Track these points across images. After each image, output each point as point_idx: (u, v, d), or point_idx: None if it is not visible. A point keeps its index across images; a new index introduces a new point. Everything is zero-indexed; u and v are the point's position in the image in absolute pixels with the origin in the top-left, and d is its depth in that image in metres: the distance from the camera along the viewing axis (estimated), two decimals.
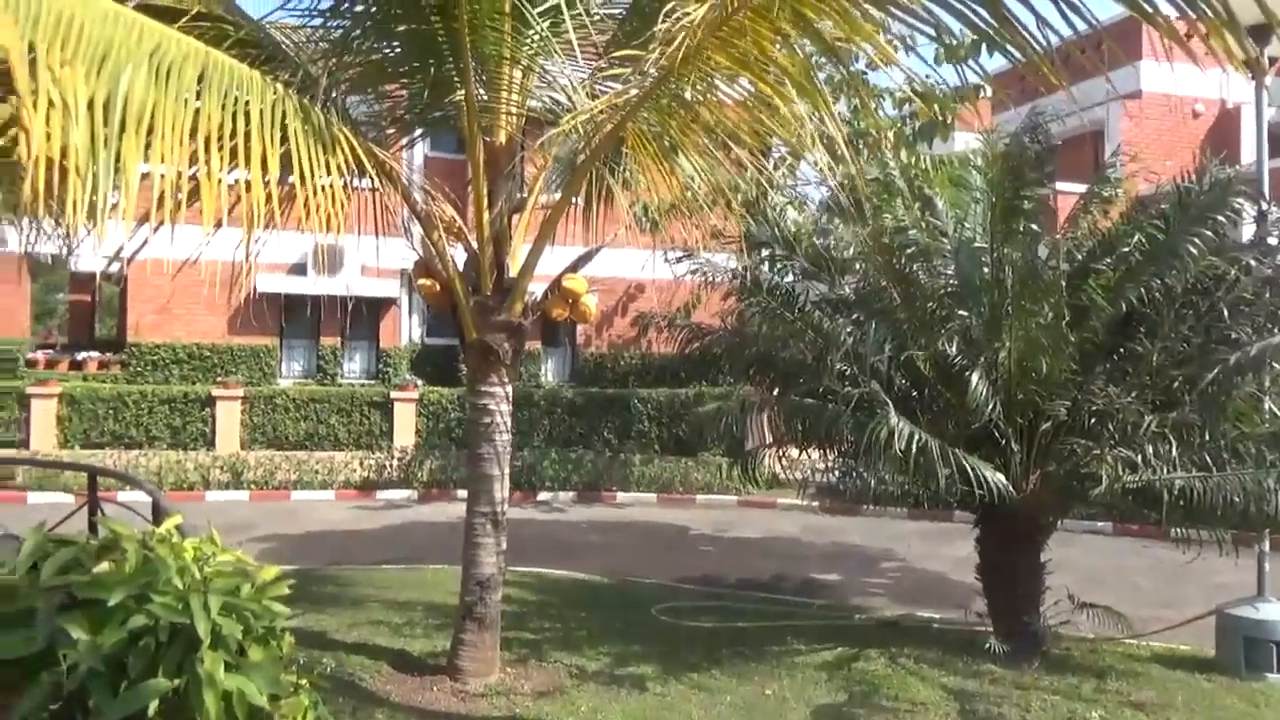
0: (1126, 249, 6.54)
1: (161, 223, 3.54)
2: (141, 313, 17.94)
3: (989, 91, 8.86)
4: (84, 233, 6.06)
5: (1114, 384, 6.29)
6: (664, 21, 4.09)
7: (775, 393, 7.33)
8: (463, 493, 14.86)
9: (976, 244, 7.08)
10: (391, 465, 15.99)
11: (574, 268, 5.95)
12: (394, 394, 17.17)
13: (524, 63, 5.49)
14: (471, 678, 5.77)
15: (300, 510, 13.98)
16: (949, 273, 7.08)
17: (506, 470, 5.88)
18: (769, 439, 7.40)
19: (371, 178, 4.71)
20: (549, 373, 19.68)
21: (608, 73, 5.30)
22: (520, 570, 8.73)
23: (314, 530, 12.30)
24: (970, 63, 5.42)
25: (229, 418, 16.56)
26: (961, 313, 6.70)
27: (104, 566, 2.64)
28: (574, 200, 5.86)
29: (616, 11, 5.89)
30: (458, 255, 5.68)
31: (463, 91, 5.14)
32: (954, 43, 5.10)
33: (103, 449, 15.81)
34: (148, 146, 3.21)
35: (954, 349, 6.50)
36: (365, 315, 18.50)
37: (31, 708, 2.37)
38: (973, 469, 5.79)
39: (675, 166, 5.43)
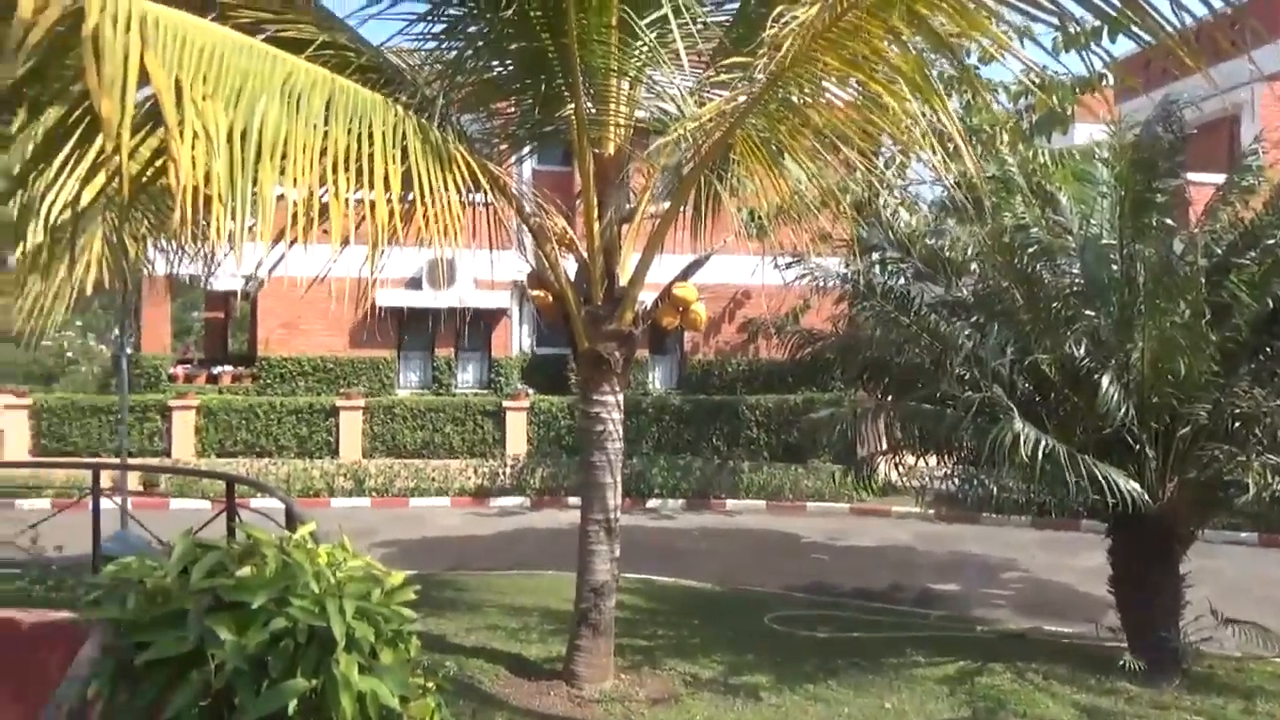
0: (1273, 241, 6.14)
1: (294, 242, 3.72)
2: (270, 328, 18.89)
3: (1112, 79, 8.45)
4: (222, 254, 6.42)
5: (1260, 385, 5.91)
6: (772, 26, 4.06)
7: (890, 398, 7.16)
8: (573, 500, 15.15)
9: (1104, 241, 6.76)
10: (504, 472, 16.34)
11: (684, 275, 5.96)
12: (506, 403, 17.56)
13: (631, 74, 5.54)
14: (587, 683, 5.83)
15: (418, 516, 14.43)
16: (1074, 271, 6.79)
17: (619, 478, 5.93)
18: (883, 445, 7.24)
19: (486, 193, 4.83)
20: (656, 380, 19.76)
21: (715, 80, 5.30)
22: (632, 577, 8.78)
23: (431, 536, 12.67)
24: (1093, 48, 5.16)
25: (351, 427, 17.25)
26: (1089, 313, 6.41)
27: (246, 571, 2.78)
28: (682, 208, 5.88)
29: (723, 19, 5.89)
30: (569, 266, 5.77)
31: (572, 105, 5.22)
32: (1076, 29, 4.87)
33: (236, 457, 16.71)
34: (281, 171, 3.37)
35: (1081, 351, 6.22)
36: (478, 327, 18.98)
37: (184, 703, 2.50)
38: (1104, 476, 5.53)
39: (783, 170, 5.38)
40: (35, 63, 3.09)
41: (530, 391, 18.13)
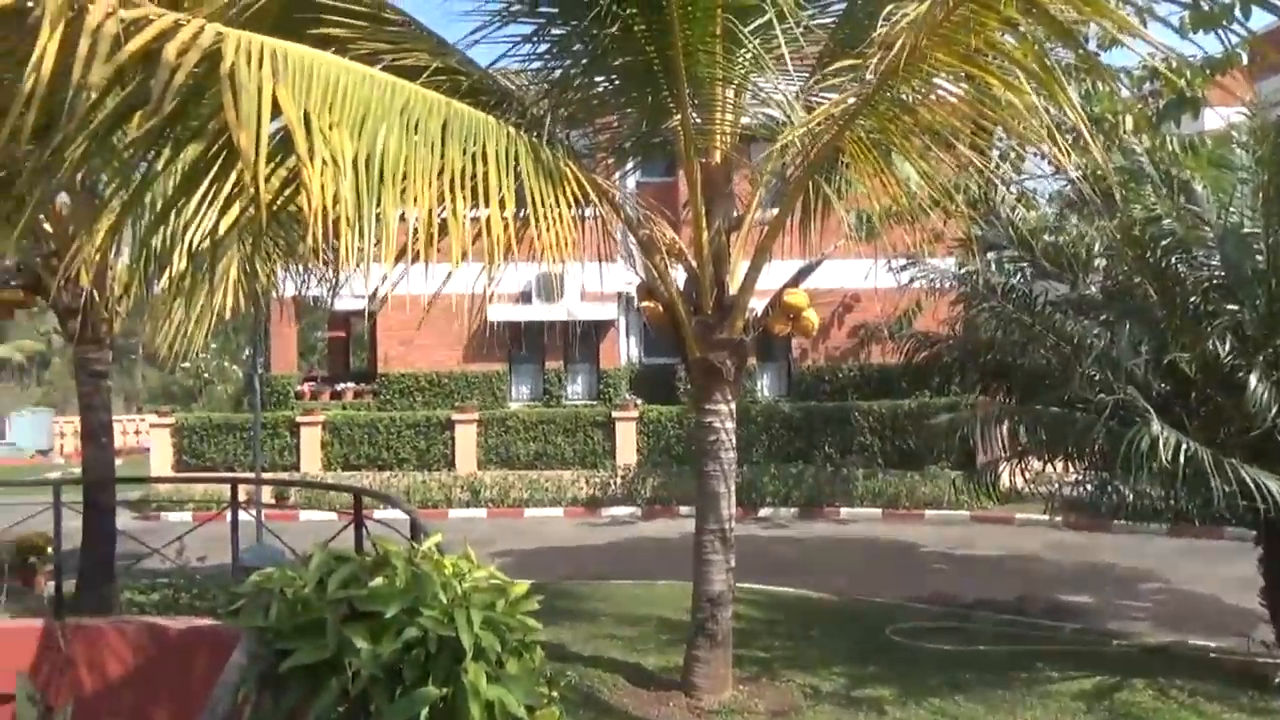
0: None
1: (414, 261, 3.85)
2: (389, 345, 19.60)
3: (1246, 58, 7.94)
4: (347, 275, 6.69)
5: None
6: (882, 25, 3.98)
7: (1014, 401, 6.89)
8: (685, 509, 15.15)
9: (1246, 230, 6.35)
10: (615, 483, 16.47)
11: (794, 282, 5.90)
12: (615, 413, 17.71)
13: (736, 82, 5.52)
14: (706, 694, 5.80)
15: (532, 526, 14.69)
16: (1213, 264, 6.39)
17: (733, 487, 5.89)
18: (1007, 450, 6.97)
19: (595, 207, 4.89)
20: (764, 387, 19.59)
21: (822, 83, 5.23)
22: (747, 587, 8.69)
23: (546, 546, 12.87)
24: (1225, 25, 4.84)
25: (467, 440, 17.71)
26: (1231, 307, 6.02)
27: (379, 581, 2.87)
28: (789, 214, 5.81)
29: (829, 20, 5.81)
30: (678, 276, 5.78)
31: (678, 116, 5.24)
32: (1209, 5, 4.60)
33: (359, 470, 17.38)
34: (402, 192, 3.49)
35: (1225, 348, 5.85)
36: (586, 338, 19.23)
37: (325, 709, 2.61)
38: (1253, 480, 5.17)
39: (894, 171, 5.26)
40: (176, 104, 3.30)
41: (639, 401, 18.25)
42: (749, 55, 5.23)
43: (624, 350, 20.21)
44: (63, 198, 6.79)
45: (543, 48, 5.54)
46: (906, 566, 11.24)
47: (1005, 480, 7.31)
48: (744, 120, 5.88)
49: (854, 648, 7.11)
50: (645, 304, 5.77)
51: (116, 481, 7.44)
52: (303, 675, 2.72)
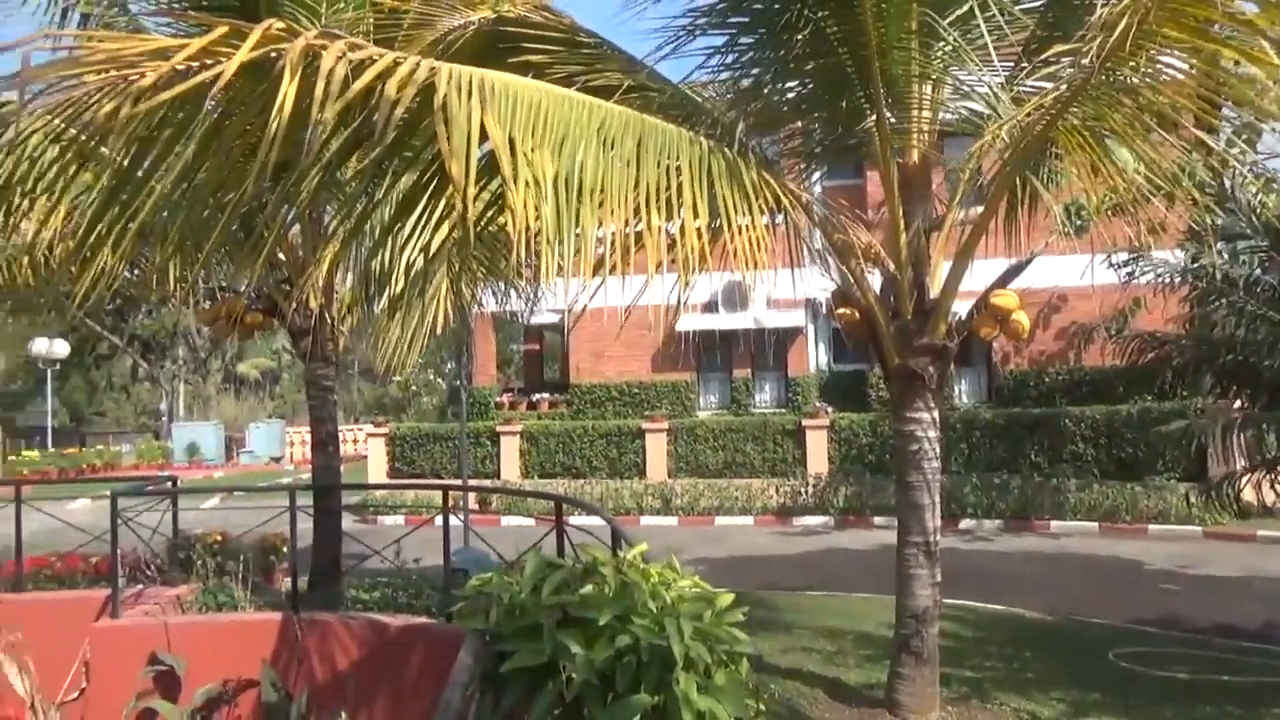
0: None
1: (612, 271, 3.94)
2: (580, 357, 20.24)
3: None
4: (546, 289, 6.95)
5: None
6: (1102, 6, 3.70)
7: (1259, 407, 6.21)
8: (880, 519, 14.70)
9: None
10: (806, 491, 16.21)
11: (1002, 282, 5.58)
12: (805, 421, 17.44)
13: (934, 77, 5.31)
14: (911, 714, 5.57)
15: (723, 535, 14.68)
16: None
17: (937, 498, 5.64)
18: (1248, 460, 6.28)
19: (786, 213, 4.83)
20: (963, 393, 18.69)
21: (1029, 72, 4.94)
22: (952, 603, 8.30)
23: (738, 554, 12.82)
24: None
25: (657, 448, 17.98)
26: None
27: (589, 588, 2.95)
28: (995, 211, 5.51)
29: (1036, 4, 5.48)
30: (875, 281, 5.61)
31: (873, 117, 5.09)
32: None
33: (554, 478, 18.02)
34: (600, 208, 3.58)
35: None
36: (773, 346, 19.08)
37: (543, 711, 2.70)
38: None
39: (1112, 159, 4.88)
40: (394, 136, 3.53)
41: (829, 409, 17.89)
42: (948, 48, 5.02)
43: (813, 357, 19.89)
44: (293, 229, 7.44)
45: (730, 58, 5.54)
46: (1129, 585, 10.38)
47: (1248, 493, 6.59)
48: (943, 116, 5.63)
49: (1073, 672, 6.63)
50: (841, 311, 5.63)
51: (342, 488, 8.03)
52: (521, 677, 2.83)
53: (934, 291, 5.52)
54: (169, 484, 9.32)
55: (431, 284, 6.25)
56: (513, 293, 7.95)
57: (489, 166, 3.73)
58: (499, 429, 18.96)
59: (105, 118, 2.98)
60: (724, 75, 5.78)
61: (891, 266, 5.39)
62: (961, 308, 5.71)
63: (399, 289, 5.61)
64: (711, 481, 17.04)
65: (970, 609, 8.72)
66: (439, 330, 6.58)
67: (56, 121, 3.67)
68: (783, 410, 19.27)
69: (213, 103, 3.16)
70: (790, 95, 5.56)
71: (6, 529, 7.42)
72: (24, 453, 28.51)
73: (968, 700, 5.97)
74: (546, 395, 21.36)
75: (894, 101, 5.23)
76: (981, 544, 13.36)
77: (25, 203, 5.86)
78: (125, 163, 3.54)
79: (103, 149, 3.96)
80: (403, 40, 6.59)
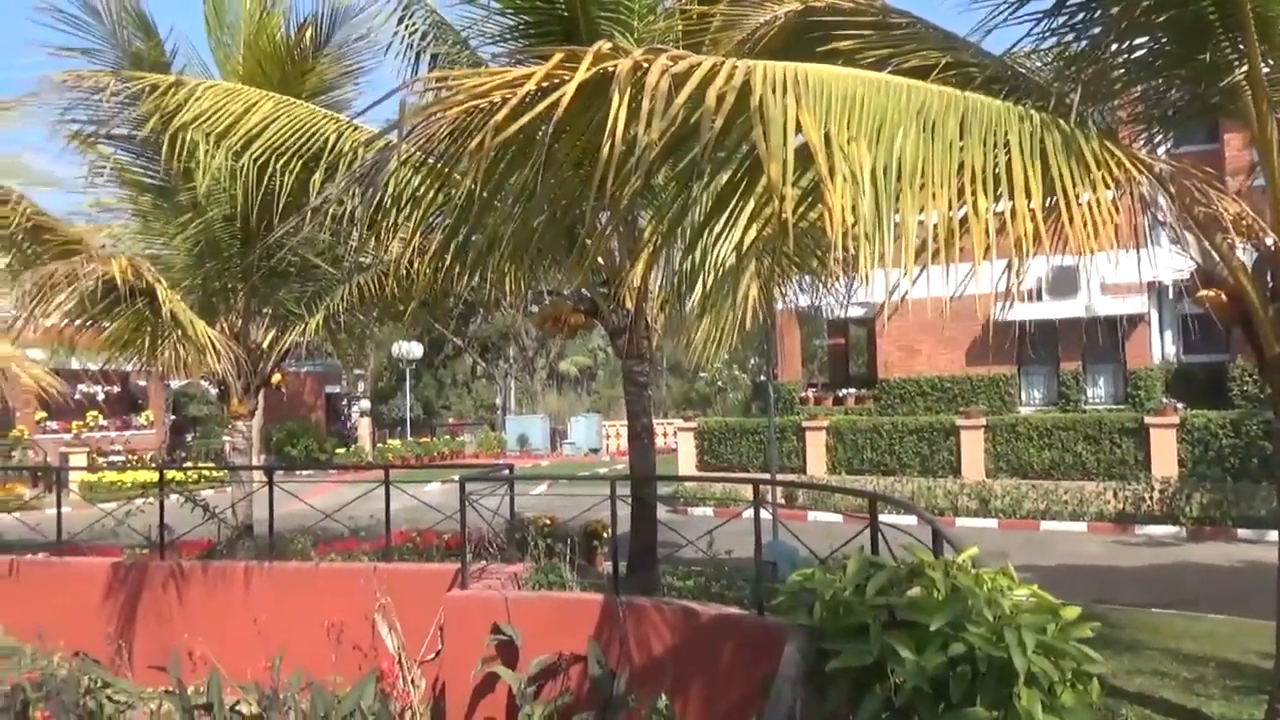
0: None
1: (935, 260, 3.75)
2: (889, 351, 19.62)
3: None
4: (854, 284, 6.81)
5: None
6: None
7: None
8: (1245, 532, 12.87)
9: None
10: (1150, 498, 14.54)
11: None
12: (1148, 419, 15.65)
13: None
14: None
15: (1050, 541, 13.57)
16: None
17: None
18: None
19: (1130, 187, 4.34)
20: None
21: None
22: None
23: (1067, 563, 11.81)
24: None
25: (972, 446, 16.98)
26: None
27: (916, 591, 2.83)
28: None
29: None
30: (1246, 258, 4.87)
31: (1242, 68, 4.42)
32: None
33: (861, 475, 17.62)
34: (920, 188, 3.42)
35: None
36: (1109, 336, 17.26)
37: (870, 715, 2.63)
38: None
39: None
40: (709, 139, 3.61)
41: (1179, 406, 15.89)
42: None
43: (1157, 347, 17.76)
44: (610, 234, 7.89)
45: (1059, 21, 5.06)
46: None
47: None
48: None
49: None
50: (1205, 293, 4.94)
51: (656, 479, 8.40)
52: (844, 677, 2.79)
53: None
54: (506, 471, 10.30)
55: (742, 282, 6.33)
56: (820, 287, 7.86)
57: (802, 158, 3.70)
58: (804, 424, 18.88)
59: (475, 148, 3.31)
60: (1049, 43, 5.30)
61: (1270, 240, 4.66)
62: None
63: (709, 287, 5.74)
64: (1035, 483, 15.79)
65: None
66: (747, 326, 6.66)
67: (417, 153, 4.16)
68: (1120, 406, 17.41)
69: (545, 125, 3.41)
70: (1135, 55, 4.98)
71: (378, 506, 8.56)
72: (389, 441, 32.83)
73: None
74: (852, 390, 20.94)
75: (1271, 49, 4.51)
76: None
77: (392, 224, 6.76)
78: (475, 186, 3.92)
79: (455, 175, 4.44)
80: (709, 44, 6.75)
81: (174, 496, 9.27)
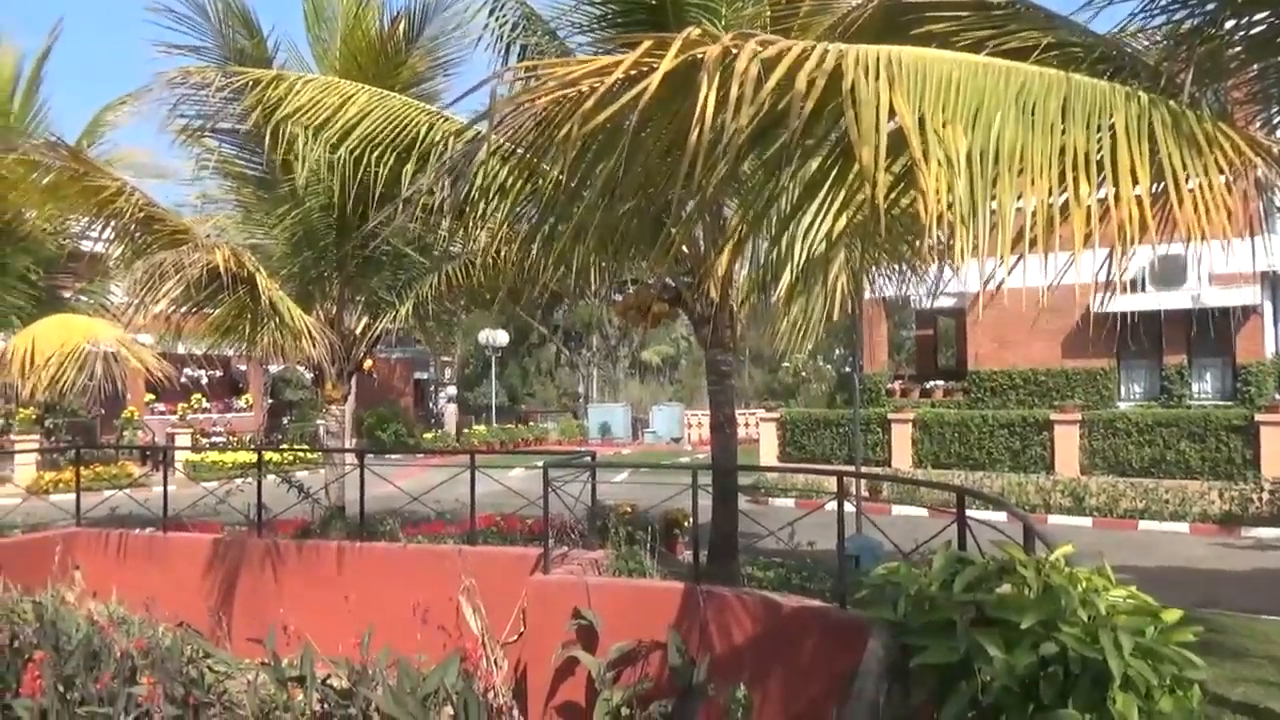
0: None
1: (1024, 254, 3.62)
2: (979, 343, 19.08)
3: None
4: (948, 273, 6.63)
5: None
6: None
7: None
8: None
9: None
10: (1260, 499, 13.82)
11: None
12: (1260, 416, 14.87)
13: None
14: None
15: (1149, 542, 13.04)
16: None
17: None
18: None
19: (1246, 170, 4.10)
20: None
21: None
22: None
23: (1168, 565, 11.34)
24: None
25: (1067, 442, 16.42)
26: None
27: (1006, 588, 2.76)
28: None
29: None
30: None
31: None
32: None
33: (949, 469, 17.21)
34: (1020, 179, 3.31)
35: None
36: (1217, 328, 16.44)
37: (956, 713, 2.57)
38: None
39: None
40: (799, 125, 3.56)
41: None
42: None
43: (1270, 341, 16.84)
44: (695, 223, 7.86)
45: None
46: None
47: None
48: None
49: None
50: None
51: (739, 469, 8.35)
52: (929, 674, 2.73)
53: None
54: (588, 459, 10.40)
55: (830, 270, 6.23)
56: (910, 277, 7.68)
57: (895, 144, 3.62)
58: (890, 416, 18.54)
59: (562, 138, 3.33)
60: (1158, 20, 5.06)
61: None
62: None
63: (795, 276, 5.66)
64: (1134, 481, 15.18)
65: None
66: (834, 316, 6.55)
67: (505, 144, 4.21)
68: (1228, 403, 16.57)
69: (631, 114, 3.41)
70: (1255, 31, 4.71)
71: (463, 490, 8.74)
72: (475, 427, 33.50)
73: None
74: (940, 382, 20.46)
75: None
76: None
77: (480, 215, 6.86)
78: (562, 175, 3.95)
79: (542, 165, 4.48)
80: (798, 29, 6.64)
81: (271, 477, 9.64)
